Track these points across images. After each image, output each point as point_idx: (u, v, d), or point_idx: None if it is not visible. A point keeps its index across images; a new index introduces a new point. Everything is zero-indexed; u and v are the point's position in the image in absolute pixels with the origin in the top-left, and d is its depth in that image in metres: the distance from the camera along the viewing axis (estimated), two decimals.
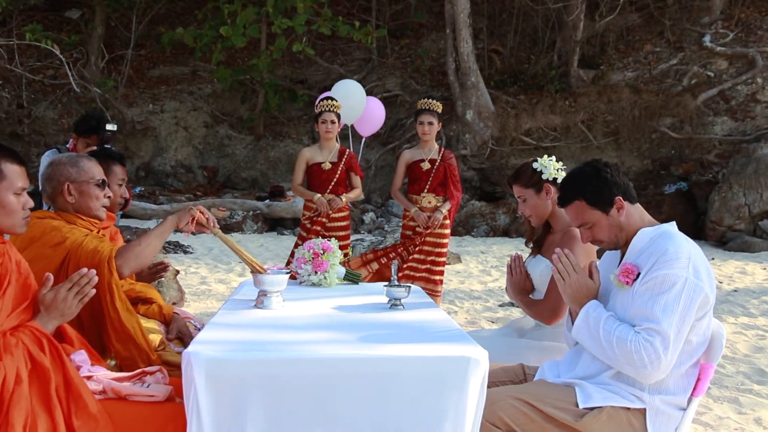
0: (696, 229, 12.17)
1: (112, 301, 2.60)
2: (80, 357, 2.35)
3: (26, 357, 2.15)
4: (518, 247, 11.09)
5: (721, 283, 8.26)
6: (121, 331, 2.61)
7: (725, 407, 4.09)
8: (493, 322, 6.23)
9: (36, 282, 2.38)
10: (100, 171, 2.94)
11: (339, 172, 5.58)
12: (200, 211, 2.82)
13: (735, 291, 7.83)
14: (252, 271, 2.82)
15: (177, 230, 2.80)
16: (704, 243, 11.80)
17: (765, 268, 9.36)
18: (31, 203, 2.33)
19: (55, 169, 2.86)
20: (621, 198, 2.45)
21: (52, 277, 2.33)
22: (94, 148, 4.67)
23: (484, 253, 10.73)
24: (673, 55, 16.04)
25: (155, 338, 2.91)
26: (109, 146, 4.86)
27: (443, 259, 5.66)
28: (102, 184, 2.91)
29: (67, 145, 5.29)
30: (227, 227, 12.72)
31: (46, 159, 4.74)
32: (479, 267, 9.48)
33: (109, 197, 2.99)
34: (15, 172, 2.27)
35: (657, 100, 14.81)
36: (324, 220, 5.53)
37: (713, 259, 10.15)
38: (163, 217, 13.25)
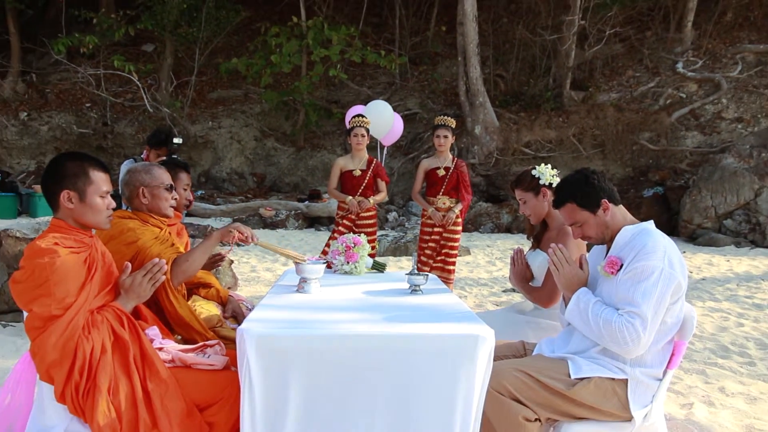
0: (670, 227, 12.04)
1: (167, 297, 2.61)
2: (153, 332, 2.38)
3: (110, 331, 2.19)
4: (519, 241, 11.05)
5: (691, 272, 8.15)
6: (178, 321, 2.63)
7: (694, 378, 4.04)
8: (497, 305, 6.19)
9: (117, 270, 2.41)
10: (169, 177, 2.96)
11: (367, 178, 5.57)
12: (239, 231, 2.75)
13: (703, 279, 7.72)
14: (295, 262, 2.83)
15: (222, 244, 2.76)
16: (677, 239, 11.65)
17: (728, 260, 9.22)
18: (113, 204, 2.35)
19: (132, 176, 2.88)
20: (607, 200, 2.43)
21: (130, 265, 2.36)
22: (164, 158, 4.70)
23: (489, 247, 10.67)
24: (651, 79, 15.87)
25: (214, 317, 2.94)
26: (175, 156, 4.89)
27: (455, 251, 5.64)
28: (170, 188, 2.93)
29: (142, 156, 5.33)
30: (273, 224, 12.79)
31: (124, 167, 4.77)
32: (486, 258, 9.43)
33: (176, 199, 3.01)
34: (101, 178, 2.30)
35: (637, 118, 14.67)
36: (354, 218, 5.53)
37: (685, 252, 10.01)
38: (219, 216, 13.33)
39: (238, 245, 2.85)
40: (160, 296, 2.59)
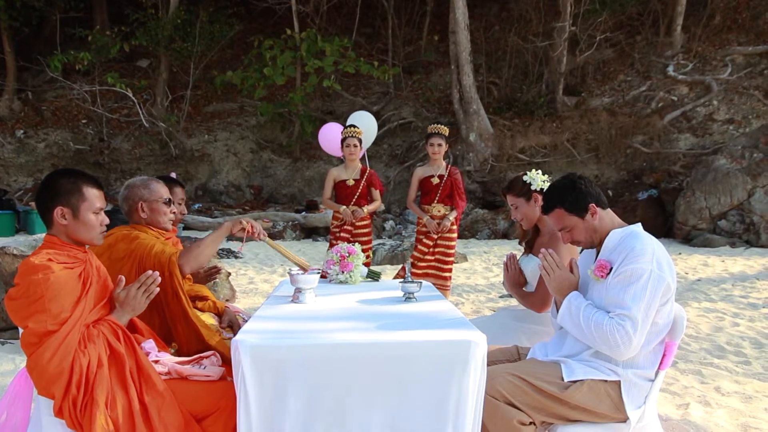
0: (665, 229, 12.07)
1: (176, 295, 2.61)
2: (149, 345, 2.39)
3: (105, 345, 2.19)
4: (516, 247, 11.04)
5: (686, 274, 8.17)
6: (183, 322, 2.63)
7: (690, 378, 4.05)
8: (494, 311, 6.19)
9: (112, 283, 2.42)
10: (167, 191, 2.98)
11: (361, 187, 5.58)
12: (250, 224, 2.79)
13: (698, 280, 7.73)
14: (289, 271, 2.84)
15: (230, 236, 2.80)
16: (672, 240, 11.67)
17: (723, 261, 9.23)
18: (106, 220, 2.36)
19: (131, 191, 2.91)
20: (594, 205, 2.45)
21: (124, 278, 2.37)
22: None
23: (486, 253, 10.69)
24: (643, 83, 15.95)
25: (212, 327, 2.94)
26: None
27: (452, 258, 5.63)
28: (168, 202, 2.96)
29: None
30: (270, 236, 12.78)
31: None
32: (483, 265, 9.44)
33: (174, 213, 3.02)
34: (94, 195, 2.32)
35: (630, 121, 14.73)
36: (349, 227, 5.54)
37: (680, 254, 10.03)
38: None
39: (249, 239, 2.87)
40: (165, 297, 2.60)
